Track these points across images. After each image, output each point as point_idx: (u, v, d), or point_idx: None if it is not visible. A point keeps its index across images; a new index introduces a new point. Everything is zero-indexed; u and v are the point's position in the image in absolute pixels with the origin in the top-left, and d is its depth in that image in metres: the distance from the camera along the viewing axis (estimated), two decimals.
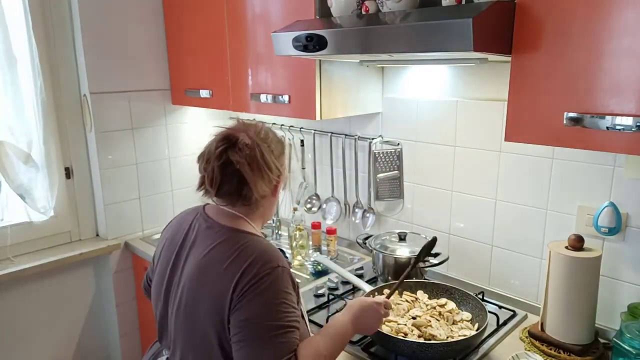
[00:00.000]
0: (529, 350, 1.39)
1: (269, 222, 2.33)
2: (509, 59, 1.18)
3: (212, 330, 1.10)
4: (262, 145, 1.16)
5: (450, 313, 1.45)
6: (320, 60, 1.68)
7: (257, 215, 1.23)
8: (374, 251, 1.78)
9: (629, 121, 1.01)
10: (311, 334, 1.20)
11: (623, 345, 1.19)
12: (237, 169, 1.13)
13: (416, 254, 1.70)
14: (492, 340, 1.43)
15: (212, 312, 1.10)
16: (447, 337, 1.34)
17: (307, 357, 1.07)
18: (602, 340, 1.41)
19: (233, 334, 1.07)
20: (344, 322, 1.21)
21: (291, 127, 2.27)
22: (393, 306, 1.46)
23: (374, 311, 1.24)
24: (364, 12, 1.44)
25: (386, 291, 1.55)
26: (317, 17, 1.61)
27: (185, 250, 1.21)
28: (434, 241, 1.47)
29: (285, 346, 1.04)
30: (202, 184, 1.18)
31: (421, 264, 1.70)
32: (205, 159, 1.17)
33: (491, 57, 1.29)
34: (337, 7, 1.50)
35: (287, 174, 1.24)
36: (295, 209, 2.14)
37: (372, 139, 1.96)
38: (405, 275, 1.39)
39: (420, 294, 1.55)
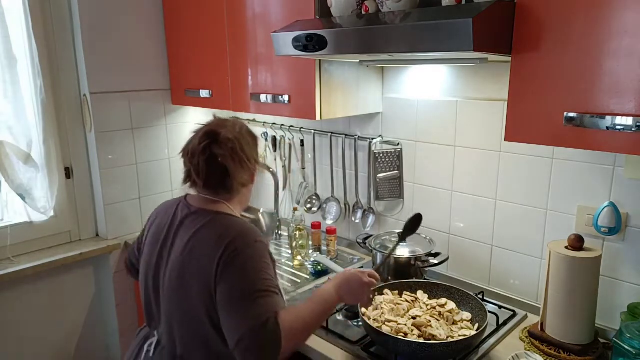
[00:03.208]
0: (529, 350, 1.39)
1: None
2: (509, 59, 1.18)
3: (202, 306, 1.20)
4: (241, 139, 1.30)
5: (450, 313, 1.44)
6: (320, 60, 1.68)
7: (235, 202, 1.35)
8: (374, 251, 1.78)
9: (629, 121, 1.01)
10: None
11: (623, 345, 1.19)
12: (221, 162, 1.25)
13: (416, 254, 1.71)
14: (492, 340, 1.43)
15: (200, 290, 1.19)
16: (447, 337, 1.34)
17: (288, 317, 1.15)
18: (602, 340, 1.41)
19: (219, 302, 1.17)
20: (328, 288, 1.28)
21: (291, 127, 2.27)
22: (386, 305, 1.47)
23: (357, 278, 1.30)
24: (364, 12, 1.44)
25: (387, 291, 1.56)
26: (317, 17, 1.61)
27: (170, 236, 1.31)
28: (419, 217, 1.55)
29: (266, 307, 1.13)
30: (187, 177, 1.31)
31: (420, 264, 1.70)
32: (190, 154, 1.29)
33: (491, 57, 1.29)
34: (337, 7, 1.50)
35: (261, 163, 1.45)
36: (295, 209, 2.14)
37: (372, 139, 1.96)
38: (392, 250, 1.53)
39: (420, 294, 1.55)
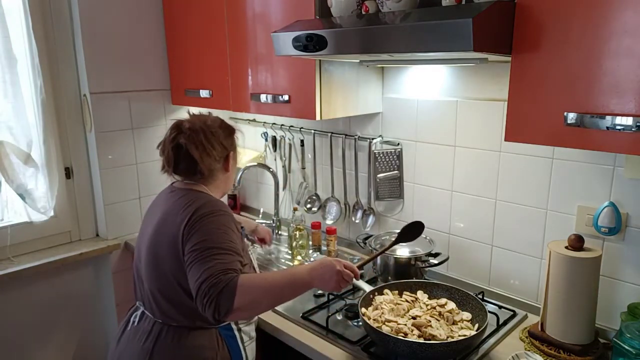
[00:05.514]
0: (529, 350, 1.39)
1: (266, 214, 2.34)
2: (509, 59, 1.18)
3: (171, 271, 1.32)
4: (206, 129, 1.42)
5: (450, 313, 1.45)
6: (320, 60, 1.68)
7: (213, 187, 1.47)
8: (374, 251, 1.78)
9: (629, 121, 1.01)
10: None
11: (623, 345, 1.19)
12: (186, 149, 1.38)
13: (416, 254, 1.71)
14: (492, 340, 1.43)
15: (170, 254, 1.31)
16: (447, 337, 1.34)
17: (248, 275, 1.21)
18: (602, 340, 1.41)
19: (186, 261, 1.26)
20: (301, 267, 1.32)
21: (291, 127, 2.27)
22: (386, 305, 1.47)
23: (331, 265, 1.31)
24: (364, 12, 1.44)
25: (387, 291, 1.56)
26: (317, 17, 1.61)
27: (152, 214, 1.47)
28: (419, 225, 1.55)
29: (227, 262, 1.21)
30: (162, 167, 1.45)
31: (420, 264, 1.70)
32: (162, 146, 1.45)
33: (491, 57, 1.29)
34: (337, 7, 1.50)
35: (237, 153, 1.55)
36: (295, 209, 2.14)
37: (372, 139, 1.96)
38: (381, 251, 1.55)
39: (420, 294, 1.55)
